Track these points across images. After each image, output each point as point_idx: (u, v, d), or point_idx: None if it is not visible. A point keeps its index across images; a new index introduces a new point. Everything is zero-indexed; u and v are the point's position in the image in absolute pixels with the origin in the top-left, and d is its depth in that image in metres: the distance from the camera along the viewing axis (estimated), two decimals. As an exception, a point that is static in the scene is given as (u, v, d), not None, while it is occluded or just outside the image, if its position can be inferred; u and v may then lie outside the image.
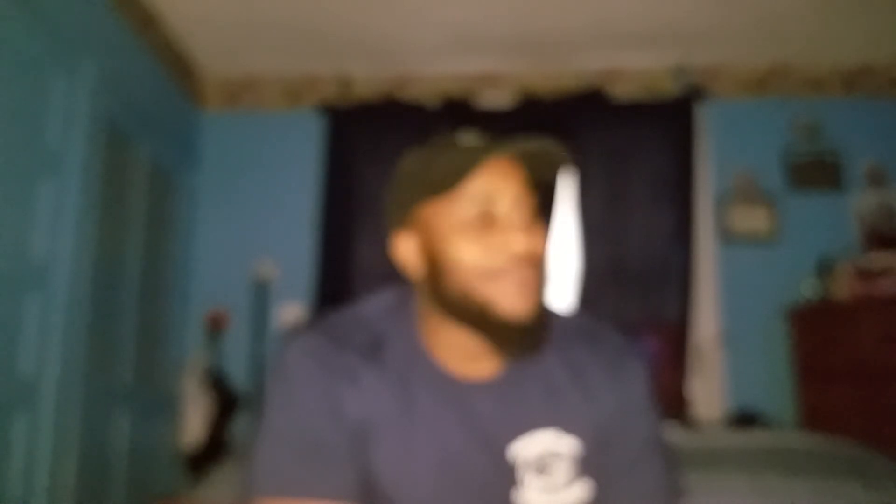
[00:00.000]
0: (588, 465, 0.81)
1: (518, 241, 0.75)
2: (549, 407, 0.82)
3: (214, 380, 2.98)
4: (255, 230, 3.24)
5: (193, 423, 2.93)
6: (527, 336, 0.76)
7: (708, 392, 3.00)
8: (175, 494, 2.76)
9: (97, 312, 2.38)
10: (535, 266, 0.76)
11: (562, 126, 3.20)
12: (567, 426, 0.82)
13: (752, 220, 3.13)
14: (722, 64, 3.24)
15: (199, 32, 3.00)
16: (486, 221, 0.76)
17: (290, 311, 3.13)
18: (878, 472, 1.55)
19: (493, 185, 0.77)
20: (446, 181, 0.77)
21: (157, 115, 2.98)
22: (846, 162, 3.15)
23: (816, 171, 3.15)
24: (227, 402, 2.96)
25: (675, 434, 2.08)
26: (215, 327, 3.11)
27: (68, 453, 2.17)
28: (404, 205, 0.82)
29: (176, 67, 3.09)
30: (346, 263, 3.14)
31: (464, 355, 0.80)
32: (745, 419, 2.79)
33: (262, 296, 3.14)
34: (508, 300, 0.74)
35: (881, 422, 2.45)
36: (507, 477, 0.80)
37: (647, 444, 0.84)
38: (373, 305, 0.88)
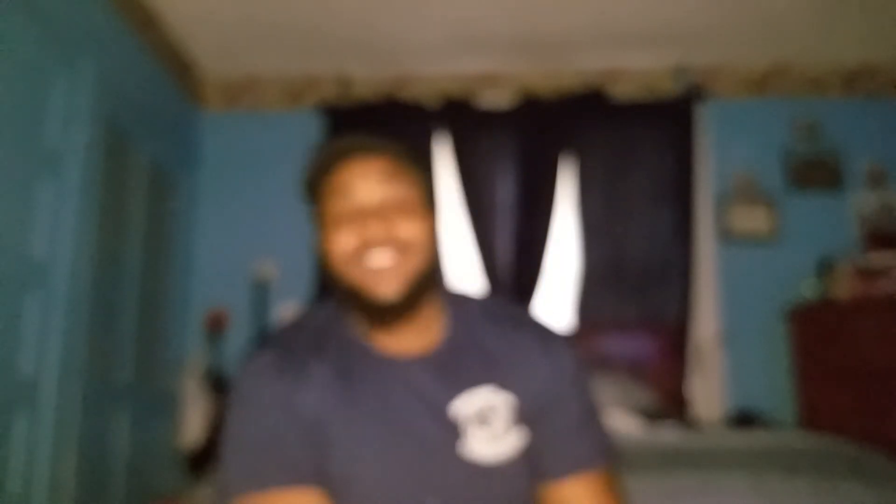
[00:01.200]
0: (523, 415, 0.89)
1: (372, 227, 0.83)
2: (484, 368, 0.90)
3: (214, 380, 2.98)
4: (255, 230, 3.24)
5: (193, 423, 2.93)
6: (395, 313, 0.84)
7: (708, 392, 3.00)
8: (175, 494, 2.76)
9: (97, 312, 2.38)
10: (400, 249, 0.84)
11: (562, 126, 3.20)
12: (502, 383, 0.89)
13: (752, 220, 3.13)
14: (722, 64, 3.24)
15: (199, 32, 3.00)
16: (348, 213, 0.86)
17: (290, 311, 3.13)
18: (878, 472, 1.55)
19: (349, 181, 0.87)
20: (309, 182, 0.90)
21: (157, 115, 2.98)
22: (846, 162, 3.15)
23: (816, 171, 3.15)
24: (227, 403, 2.95)
25: (675, 434, 2.08)
26: (215, 327, 3.11)
27: (68, 453, 2.17)
28: (306, 200, 0.94)
29: (176, 67, 3.09)
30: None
31: (393, 337, 0.88)
32: (745, 419, 2.79)
33: (262, 296, 3.14)
34: (371, 281, 0.84)
35: (881, 422, 2.45)
36: (451, 433, 0.87)
37: (585, 413, 0.93)
38: (312, 311, 0.98)
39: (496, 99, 3.29)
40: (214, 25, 2.95)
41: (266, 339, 0.95)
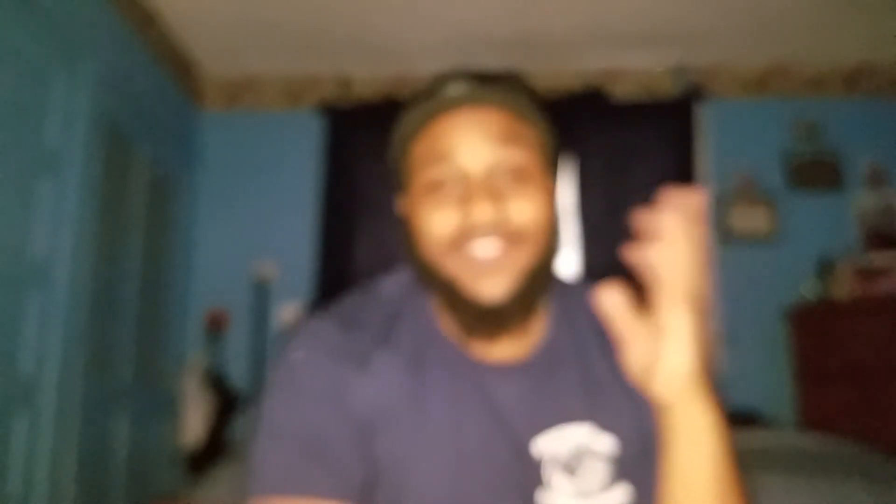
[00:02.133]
0: (627, 469, 0.70)
1: (478, 206, 0.65)
2: (584, 398, 0.71)
3: (214, 380, 2.98)
4: (255, 230, 3.24)
5: (193, 423, 2.93)
6: (501, 318, 0.67)
7: (708, 392, 3.00)
8: (175, 494, 2.76)
9: (97, 312, 2.38)
10: (512, 238, 0.67)
11: (562, 126, 3.18)
12: (605, 422, 0.70)
13: (752, 220, 3.13)
14: (722, 64, 3.24)
15: (199, 32, 3.00)
16: (448, 183, 0.68)
17: (290, 311, 3.13)
18: (878, 472, 1.55)
19: (450, 140, 0.68)
20: (404, 136, 0.72)
21: (157, 115, 2.98)
22: (846, 162, 3.15)
23: (816, 171, 3.15)
24: (227, 402, 2.96)
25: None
26: (215, 327, 3.11)
27: (68, 453, 2.17)
28: (396, 162, 0.75)
29: (176, 67, 3.09)
30: (346, 263, 3.14)
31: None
32: (745, 419, 2.79)
33: (262, 296, 3.14)
34: (472, 276, 0.67)
35: (881, 422, 2.45)
36: (531, 476, 0.69)
37: None
38: (390, 282, 0.79)
39: (496, 99, 3.29)
40: (214, 25, 2.95)
41: (334, 304, 0.77)
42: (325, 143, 3.24)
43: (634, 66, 3.25)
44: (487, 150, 0.68)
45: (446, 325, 0.73)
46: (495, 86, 0.70)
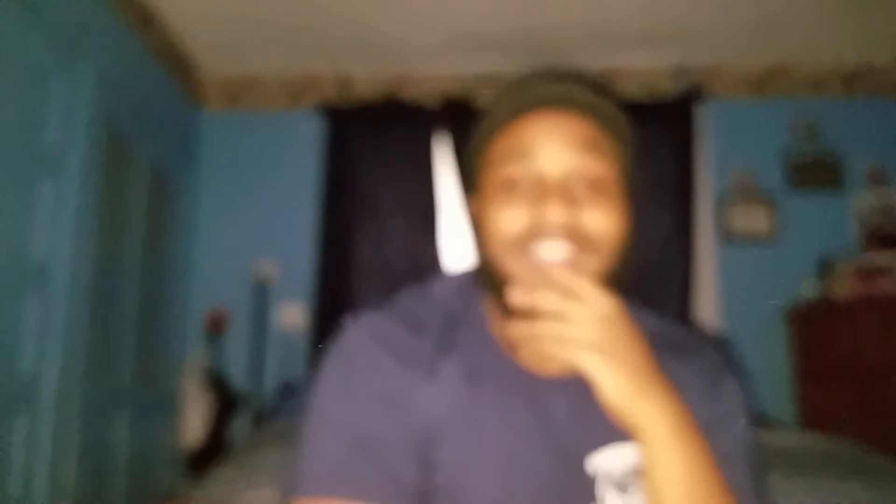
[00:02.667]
0: None
1: (552, 206, 0.64)
2: None
3: (214, 380, 2.98)
4: (255, 230, 3.24)
5: (193, 423, 2.92)
6: None
7: (708, 392, 3.00)
8: (175, 494, 2.76)
9: (97, 312, 2.38)
10: (582, 243, 0.65)
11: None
12: None
13: (752, 220, 3.13)
14: (722, 64, 3.24)
15: (199, 32, 3.00)
16: (523, 183, 0.67)
17: (290, 311, 3.13)
18: (878, 472, 1.55)
19: (530, 140, 0.67)
20: (484, 132, 0.71)
21: (157, 115, 2.98)
22: (846, 162, 3.15)
23: (816, 171, 3.15)
24: (227, 402, 2.96)
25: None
26: (215, 327, 3.11)
27: (68, 453, 2.17)
28: (472, 158, 0.74)
29: (176, 67, 3.09)
30: (346, 263, 3.14)
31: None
32: (745, 419, 2.79)
33: (262, 296, 3.14)
34: (532, 279, 0.64)
35: (881, 422, 2.45)
36: (584, 492, 0.68)
37: (733, 458, 0.71)
38: (444, 284, 0.77)
39: (496, 99, 3.29)
40: (214, 25, 2.95)
41: (389, 301, 0.75)
42: (325, 143, 3.24)
43: (634, 66, 3.25)
44: (568, 155, 0.67)
45: (501, 333, 0.71)
46: (584, 90, 0.69)
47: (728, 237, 3.13)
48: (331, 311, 3.05)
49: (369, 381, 0.67)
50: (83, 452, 2.24)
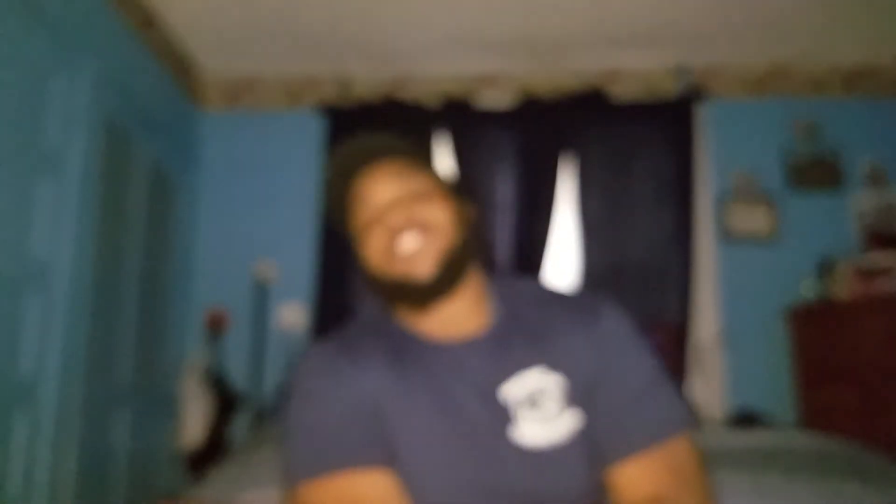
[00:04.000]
0: (576, 396, 0.87)
1: (394, 216, 0.87)
2: (533, 350, 0.89)
3: (214, 380, 2.98)
4: (255, 230, 3.24)
5: (193, 423, 2.93)
6: (435, 291, 0.87)
7: (708, 392, 3.00)
8: (175, 494, 2.76)
9: (97, 312, 2.38)
10: (424, 229, 0.87)
11: (562, 126, 3.20)
12: (552, 364, 0.88)
13: (752, 220, 3.13)
14: (722, 64, 3.25)
15: (199, 32, 3.00)
16: (371, 215, 0.90)
17: (290, 311, 3.13)
18: (878, 472, 1.55)
19: (364, 189, 0.92)
20: (332, 207, 0.98)
21: (157, 115, 2.98)
22: (846, 162, 3.15)
23: (816, 171, 3.15)
24: (227, 402, 2.96)
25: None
26: (215, 327, 3.11)
27: (68, 453, 2.17)
28: (333, 209, 1.00)
29: (176, 67, 3.09)
30: (346, 263, 3.13)
31: (440, 323, 0.90)
32: (745, 419, 2.79)
33: (262, 296, 3.14)
34: (406, 268, 0.86)
35: (881, 422, 2.45)
36: (502, 417, 0.85)
37: (646, 382, 0.88)
38: (364, 311, 1.01)
39: (496, 99, 3.29)
40: (214, 25, 2.95)
41: (322, 338, 0.97)
42: (325, 143, 3.24)
43: (634, 66, 3.25)
44: (392, 185, 0.91)
45: (410, 326, 0.93)
46: (380, 144, 0.95)
47: (728, 237, 3.13)
48: (331, 311, 3.05)
49: (321, 383, 0.87)
50: (83, 452, 2.24)
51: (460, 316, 0.90)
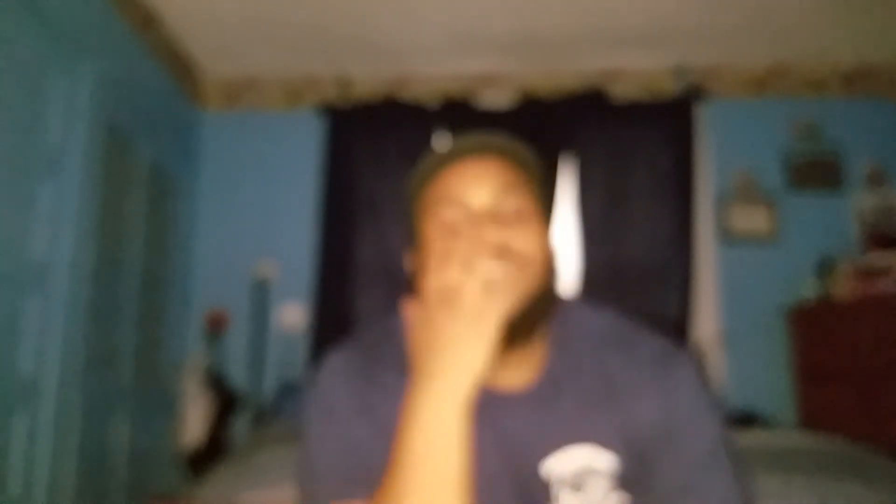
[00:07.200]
0: (624, 481, 0.76)
1: (489, 231, 0.71)
2: (585, 420, 0.76)
3: (214, 380, 2.98)
4: (255, 230, 3.24)
5: (193, 423, 2.93)
6: (503, 339, 0.69)
7: (708, 392, 3.00)
8: (175, 494, 2.76)
9: (97, 312, 2.38)
10: (515, 262, 0.71)
11: (562, 126, 3.20)
12: (604, 442, 0.76)
13: (752, 220, 3.13)
14: (722, 64, 3.25)
15: (199, 32, 3.00)
16: (460, 222, 0.75)
17: (290, 311, 3.13)
18: (878, 472, 1.55)
19: (461, 185, 0.76)
20: (416, 182, 0.79)
21: (157, 115, 2.98)
22: (846, 162, 3.15)
23: (816, 171, 3.15)
24: (226, 402, 2.96)
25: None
26: (215, 327, 3.11)
27: (68, 453, 2.17)
28: (410, 208, 0.82)
29: (176, 67, 3.09)
30: (347, 263, 3.14)
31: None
32: (745, 419, 2.79)
33: (262, 296, 3.14)
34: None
35: (881, 422, 2.45)
36: (540, 495, 0.75)
37: (707, 457, 0.74)
38: (399, 319, 0.85)
39: (496, 99, 3.29)
40: (214, 25, 2.95)
41: (350, 338, 0.85)
42: (325, 143, 3.24)
43: (634, 66, 3.25)
44: (492, 193, 0.75)
45: None
46: (498, 138, 0.79)
47: (728, 237, 3.13)
48: (331, 311, 3.05)
49: (342, 400, 0.77)
50: (83, 452, 2.24)
51: (510, 361, 0.75)
